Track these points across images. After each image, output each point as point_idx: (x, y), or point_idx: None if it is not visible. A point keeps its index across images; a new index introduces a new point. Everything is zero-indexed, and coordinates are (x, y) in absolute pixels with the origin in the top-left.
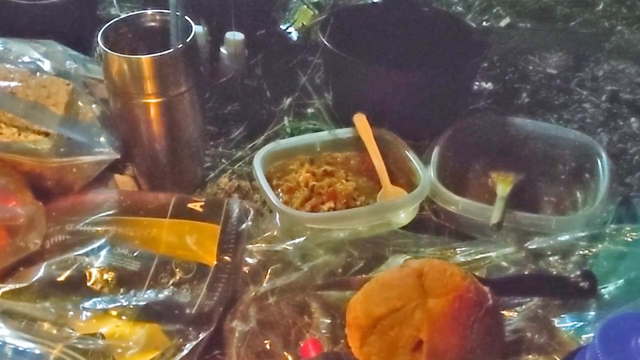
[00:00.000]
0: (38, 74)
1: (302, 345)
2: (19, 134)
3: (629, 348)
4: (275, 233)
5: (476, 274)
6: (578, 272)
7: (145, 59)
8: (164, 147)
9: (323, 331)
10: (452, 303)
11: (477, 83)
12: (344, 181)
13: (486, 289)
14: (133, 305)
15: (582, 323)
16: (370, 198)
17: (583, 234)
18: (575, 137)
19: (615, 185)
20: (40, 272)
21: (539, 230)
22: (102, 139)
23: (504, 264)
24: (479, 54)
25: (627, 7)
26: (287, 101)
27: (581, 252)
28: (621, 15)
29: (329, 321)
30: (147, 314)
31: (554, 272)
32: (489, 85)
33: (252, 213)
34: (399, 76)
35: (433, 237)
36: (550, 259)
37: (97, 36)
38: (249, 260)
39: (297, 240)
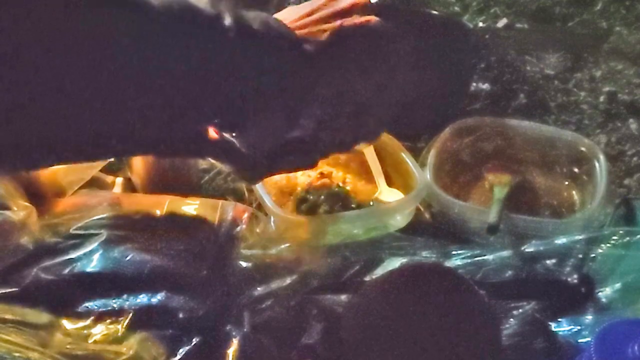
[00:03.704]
0: None
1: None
2: None
3: (626, 355)
4: (270, 236)
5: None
6: (575, 276)
7: None
8: None
9: (318, 335)
10: None
11: (474, 84)
12: (340, 183)
13: (482, 292)
14: (126, 309)
15: (579, 327)
16: (367, 200)
17: (580, 237)
18: (573, 138)
19: (614, 187)
20: (32, 276)
21: (535, 233)
22: None
23: (501, 267)
24: (476, 55)
25: (625, 8)
26: None
27: (578, 255)
28: (620, 16)
29: (324, 325)
30: (140, 318)
31: (551, 276)
32: (486, 86)
33: (246, 216)
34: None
35: (429, 240)
36: (547, 262)
37: None
38: (243, 263)
39: (292, 244)
